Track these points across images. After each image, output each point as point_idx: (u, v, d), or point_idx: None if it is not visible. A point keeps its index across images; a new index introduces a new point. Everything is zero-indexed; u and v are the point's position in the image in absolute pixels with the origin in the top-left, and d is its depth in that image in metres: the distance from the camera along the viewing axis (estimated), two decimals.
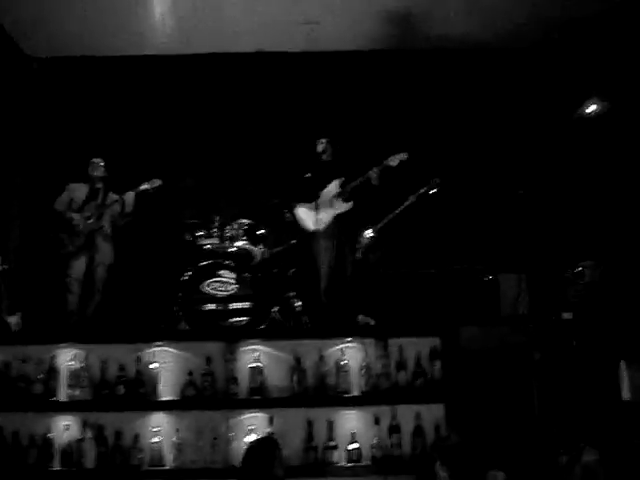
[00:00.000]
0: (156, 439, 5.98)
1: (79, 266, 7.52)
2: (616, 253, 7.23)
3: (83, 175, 7.75)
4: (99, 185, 7.73)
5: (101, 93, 8.83)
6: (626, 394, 6.15)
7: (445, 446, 4.56)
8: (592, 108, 7.19)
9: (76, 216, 7.54)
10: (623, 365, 6.24)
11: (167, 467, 5.97)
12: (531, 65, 8.59)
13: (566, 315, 6.48)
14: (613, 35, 7.80)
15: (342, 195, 7.46)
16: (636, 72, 7.84)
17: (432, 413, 6.07)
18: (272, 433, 5.97)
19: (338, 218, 7.47)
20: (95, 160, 7.75)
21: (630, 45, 7.75)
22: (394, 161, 7.28)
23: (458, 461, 4.28)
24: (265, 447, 4.93)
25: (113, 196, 7.72)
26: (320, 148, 7.68)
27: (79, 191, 7.71)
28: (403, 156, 7.28)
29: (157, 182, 7.68)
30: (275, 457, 4.84)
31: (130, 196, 7.68)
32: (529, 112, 8.45)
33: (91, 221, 7.56)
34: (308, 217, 7.47)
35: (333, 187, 7.53)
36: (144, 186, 7.67)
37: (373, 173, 7.28)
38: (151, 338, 6.25)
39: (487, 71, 8.69)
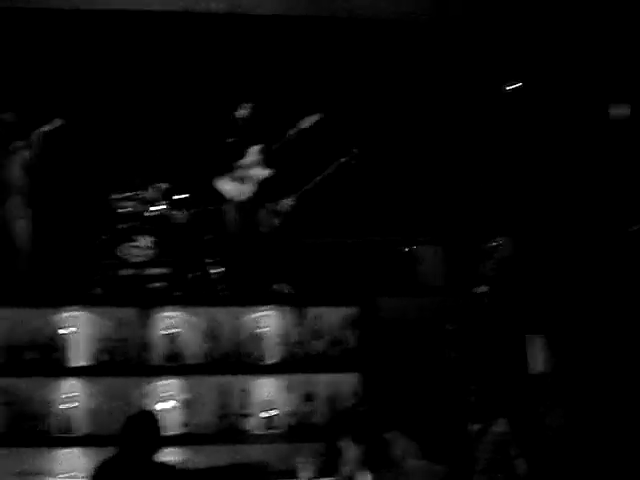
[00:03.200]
0: (67, 405, 5.87)
1: None
2: (528, 230, 7.41)
3: None
4: (5, 135, 7.29)
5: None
6: (534, 366, 6.35)
7: (352, 420, 4.63)
8: (511, 85, 7.29)
9: None
10: (532, 338, 6.43)
11: (79, 434, 5.88)
12: (452, 38, 8.63)
13: (480, 288, 6.62)
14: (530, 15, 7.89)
15: (261, 161, 7.42)
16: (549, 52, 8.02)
17: (348, 382, 6.13)
18: (186, 400, 5.97)
19: (258, 186, 7.42)
20: (5, 115, 7.31)
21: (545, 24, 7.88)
22: (307, 122, 7.34)
23: (365, 433, 4.36)
24: (149, 418, 4.85)
25: (18, 143, 7.30)
26: (242, 113, 7.60)
27: None
28: (316, 117, 7.32)
29: (58, 122, 7.28)
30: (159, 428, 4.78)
31: (37, 137, 7.26)
32: (454, 84, 8.51)
33: None
34: (229, 186, 7.40)
35: (253, 153, 7.47)
36: (45, 127, 7.27)
37: (290, 134, 7.30)
38: (65, 302, 6.11)
39: (410, 42, 8.68)
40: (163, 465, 4.64)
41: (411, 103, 8.57)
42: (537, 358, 6.37)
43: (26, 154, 7.27)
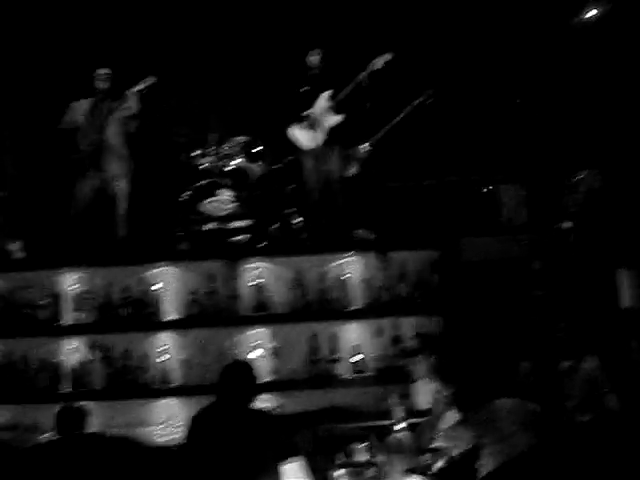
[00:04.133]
0: (163, 358, 6.08)
1: (87, 186, 7.13)
2: (613, 161, 7.19)
3: (83, 92, 7.36)
4: (102, 98, 7.29)
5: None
6: (624, 301, 6.24)
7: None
8: (591, 13, 6.99)
9: (81, 132, 7.18)
10: (621, 273, 6.30)
11: (175, 384, 6.09)
12: None
13: (565, 224, 6.51)
14: None
15: (333, 106, 7.36)
16: None
17: (433, 325, 6.16)
18: (276, 348, 6.09)
19: (332, 131, 7.38)
20: (100, 71, 7.30)
21: None
22: (379, 63, 7.16)
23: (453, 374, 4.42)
24: (245, 368, 4.93)
25: (113, 104, 7.29)
26: (314, 60, 7.52)
27: (82, 108, 7.28)
28: (387, 57, 7.15)
29: (151, 79, 7.26)
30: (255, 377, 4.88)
31: (132, 96, 7.23)
32: (527, 17, 8.21)
33: (94, 136, 7.15)
34: (302, 135, 7.37)
35: (323, 100, 7.41)
36: (139, 86, 7.23)
37: (362, 77, 7.19)
38: (153, 259, 6.30)
39: None
40: (259, 412, 4.78)
41: (486, 38, 8.31)
42: (627, 293, 6.26)
43: (123, 114, 7.27)
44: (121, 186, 7.19)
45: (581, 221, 6.47)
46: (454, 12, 8.40)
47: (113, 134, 7.25)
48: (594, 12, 7.03)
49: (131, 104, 7.27)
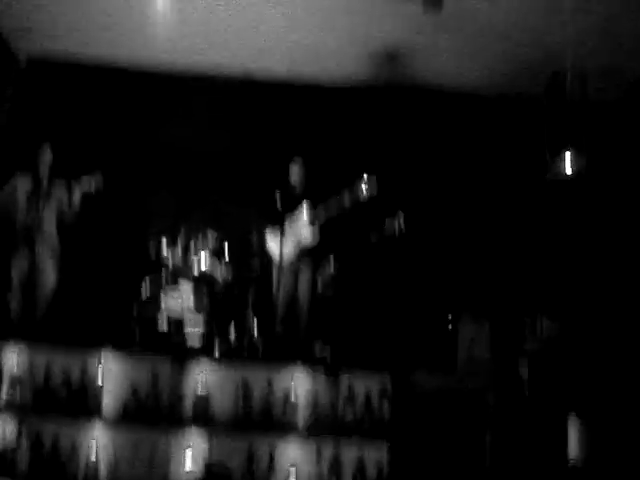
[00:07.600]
0: (94, 450, 5.86)
1: (20, 263, 7.17)
2: (574, 311, 7.28)
3: (28, 167, 7.41)
4: (44, 175, 7.36)
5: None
6: (573, 451, 6.13)
7: None
8: (567, 165, 7.16)
9: (17, 210, 7.22)
10: (571, 421, 6.23)
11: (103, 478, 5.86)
12: (510, 113, 8.61)
13: (522, 367, 6.48)
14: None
15: (310, 221, 7.44)
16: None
17: (376, 451, 6.01)
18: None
19: (304, 248, 7.46)
20: (43, 148, 7.39)
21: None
22: (362, 190, 7.29)
23: None
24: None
25: (55, 191, 7.36)
26: (294, 169, 7.67)
27: (22, 183, 7.32)
28: (371, 185, 7.29)
29: (99, 179, 7.26)
30: None
31: (76, 194, 7.31)
32: (502, 160, 8.46)
33: (31, 214, 7.19)
34: (275, 244, 7.41)
35: (302, 212, 7.49)
36: (85, 184, 7.28)
37: (344, 199, 7.30)
38: (98, 346, 6.15)
39: (465, 114, 8.67)
40: None
41: (462, 175, 8.52)
42: (575, 441, 6.16)
43: (61, 205, 7.36)
44: (47, 271, 7.21)
45: (537, 365, 6.44)
46: (436, 146, 8.60)
47: (47, 220, 7.29)
48: (569, 165, 7.18)
49: (73, 199, 7.34)
